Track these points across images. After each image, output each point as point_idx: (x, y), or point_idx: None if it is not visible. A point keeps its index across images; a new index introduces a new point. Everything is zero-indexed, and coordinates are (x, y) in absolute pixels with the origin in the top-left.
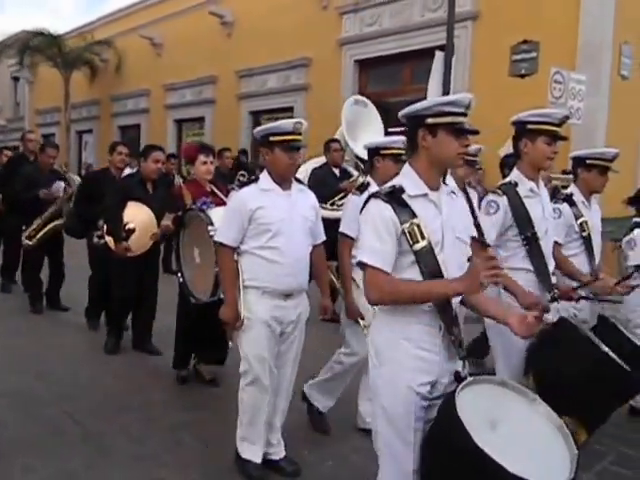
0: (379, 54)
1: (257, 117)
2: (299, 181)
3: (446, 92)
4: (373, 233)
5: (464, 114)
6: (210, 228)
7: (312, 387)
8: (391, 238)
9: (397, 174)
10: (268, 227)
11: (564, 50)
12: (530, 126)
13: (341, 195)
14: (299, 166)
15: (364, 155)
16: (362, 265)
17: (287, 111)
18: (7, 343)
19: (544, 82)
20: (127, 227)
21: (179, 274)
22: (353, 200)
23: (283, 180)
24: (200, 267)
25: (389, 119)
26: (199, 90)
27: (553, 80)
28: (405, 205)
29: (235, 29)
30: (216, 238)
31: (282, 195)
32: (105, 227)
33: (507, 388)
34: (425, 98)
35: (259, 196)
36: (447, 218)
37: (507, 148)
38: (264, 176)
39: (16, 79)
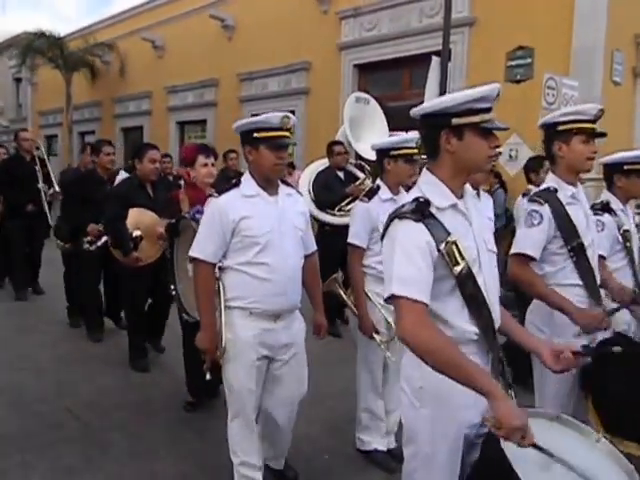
0: (378, 59)
1: None
2: (286, 183)
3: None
4: (404, 259)
5: (491, 109)
6: None
7: (359, 433)
8: (427, 264)
9: (411, 176)
10: (255, 240)
11: (558, 56)
12: (562, 127)
13: (348, 200)
14: (294, 168)
15: (368, 155)
16: (392, 298)
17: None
18: (4, 341)
19: (539, 88)
20: (134, 236)
21: (172, 287)
22: (361, 207)
23: (269, 183)
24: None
25: (388, 123)
26: (201, 93)
27: (546, 86)
28: (436, 221)
29: (236, 33)
30: (192, 253)
31: (269, 202)
32: (109, 239)
33: (563, 424)
34: (423, 102)
35: (242, 204)
36: (478, 229)
37: (504, 154)
38: (247, 179)
39: (18, 80)
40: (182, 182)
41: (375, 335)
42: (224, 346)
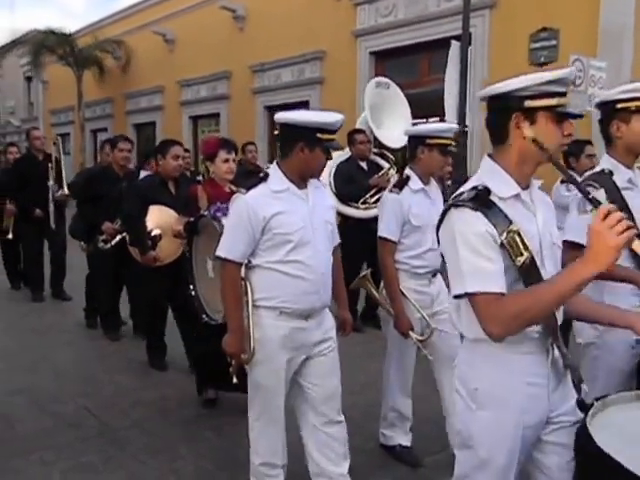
0: (395, 45)
1: (272, 112)
2: None
3: (463, 83)
4: (470, 252)
5: (566, 93)
6: None
7: (383, 429)
8: (495, 253)
9: (443, 168)
10: (288, 237)
11: (585, 37)
12: (621, 105)
13: (373, 192)
14: None
15: (391, 143)
16: (463, 296)
17: (303, 105)
18: (24, 342)
19: None
20: (152, 234)
21: (191, 287)
22: (391, 198)
23: (302, 178)
24: (214, 282)
25: None
26: (213, 86)
27: (573, 67)
28: (497, 210)
29: (247, 23)
30: (219, 253)
31: (299, 196)
32: (127, 238)
33: None
34: (443, 89)
35: (272, 200)
36: (542, 222)
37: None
38: (275, 173)
39: (29, 79)
40: (200, 178)
41: (411, 333)
42: (252, 348)
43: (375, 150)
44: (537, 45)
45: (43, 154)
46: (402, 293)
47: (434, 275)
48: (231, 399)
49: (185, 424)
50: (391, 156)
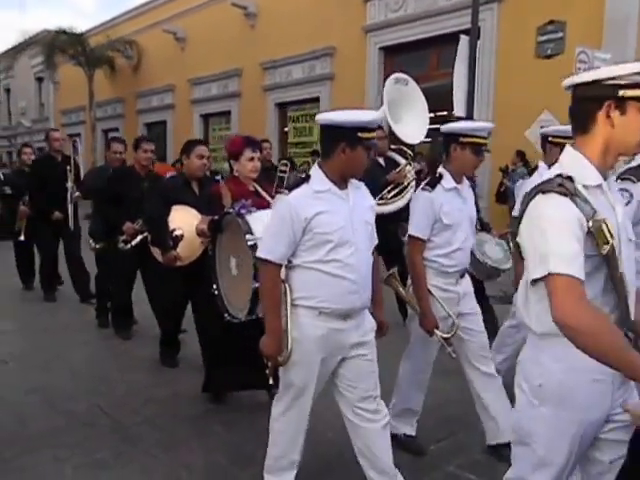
0: (404, 40)
1: (283, 109)
2: None
3: (472, 77)
4: (558, 235)
5: None
6: (248, 237)
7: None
8: (578, 241)
9: (475, 167)
10: (328, 237)
11: (590, 29)
12: None
13: (390, 188)
14: (319, 156)
15: (409, 139)
16: (542, 278)
17: (313, 101)
18: (37, 342)
19: (571, 62)
20: (174, 234)
21: (214, 286)
22: (423, 196)
23: (343, 179)
24: (237, 280)
25: None
26: (224, 83)
27: (578, 60)
28: (583, 198)
29: (258, 20)
30: (260, 254)
31: (340, 197)
32: (149, 236)
33: None
34: (451, 83)
35: (314, 200)
36: (620, 215)
37: (534, 132)
38: (317, 174)
39: (40, 80)
40: (218, 178)
41: (436, 331)
42: (290, 349)
43: (393, 146)
44: (544, 38)
45: (62, 155)
46: (430, 291)
47: (462, 275)
48: (240, 394)
49: (195, 419)
50: (410, 152)
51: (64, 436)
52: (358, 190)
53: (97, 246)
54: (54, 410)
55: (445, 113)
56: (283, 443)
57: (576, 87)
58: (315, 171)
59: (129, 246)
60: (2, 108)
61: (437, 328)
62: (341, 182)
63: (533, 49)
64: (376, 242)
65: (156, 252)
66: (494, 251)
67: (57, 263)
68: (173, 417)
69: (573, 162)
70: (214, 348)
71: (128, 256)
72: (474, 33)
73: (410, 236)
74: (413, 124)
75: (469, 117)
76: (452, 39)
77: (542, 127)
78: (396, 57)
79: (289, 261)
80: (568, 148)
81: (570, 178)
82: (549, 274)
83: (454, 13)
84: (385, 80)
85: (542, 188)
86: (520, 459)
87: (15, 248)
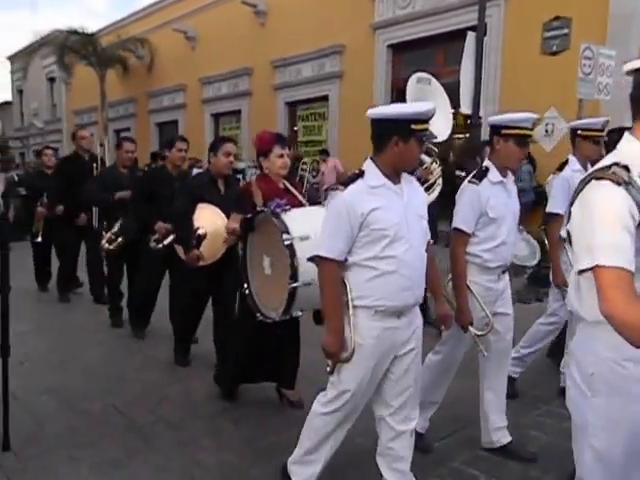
0: (412, 37)
1: (293, 107)
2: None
3: (478, 73)
4: (608, 225)
5: None
6: (285, 237)
7: None
8: (629, 232)
9: (520, 160)
10: (384, 233)
11: (595, 25)
12: None
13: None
14: (328, 155)
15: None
16: (588, 271)
17: (323, 100)
18: (52, 342)
19: (576, 58)
20: (197, 233)
21: (245, 286)
22: (470, 189)
23: (397, 173)
24: (270, 279)
25: None
26: (235, 82)
27: (583, 56)
28: (639, 188)
29: (268, 18)
30: (319, 252)
31: (395, 191)
32: (173, 234)
33: None
34: (458, 80)
35: (369, 196)
36: None
37: (540, 129)
38: (370, 168)
39: (52, 80)
40: (239, 177)
41: (471, 328)
42: (353, 348)
43: None
44: (550, 34)
45: (89, 154)
46: (469, 288)
47: (503, 272)
48: (249, 392)
49: (207, 417)
50: (435, 149)
51: (79, 436)
52: (411, 184)
53: (111, 247)
54: (69, 410)
55: (452, 111)
56: (318, 439)
57: (637, 71)
58: (369, 166)
59: (161, 245)
60: (15, 109)
61: (471, 325)
62: (395, 176)
63: (539, 45)
64: (429, 236)
65: (180, 250)
66: (520, 247)
67: (77, 265)
68: (186, 415)
69: (631, 150)
70: (234, 346)
71: (155, 256)
72: (481, 30)
73: (455, 229)
74: (438, 122)
75: (475, 114)
76: (459, 36)
77: (547, 124)
78: (403, 54)
79: (345, 259)
80: (626, 135)
81: (626, 167)
82: (596, 266)
83: (461, 10)
84: (393, 77)
85: (596, 175)
86: (580, 457)
87: (33, 249)
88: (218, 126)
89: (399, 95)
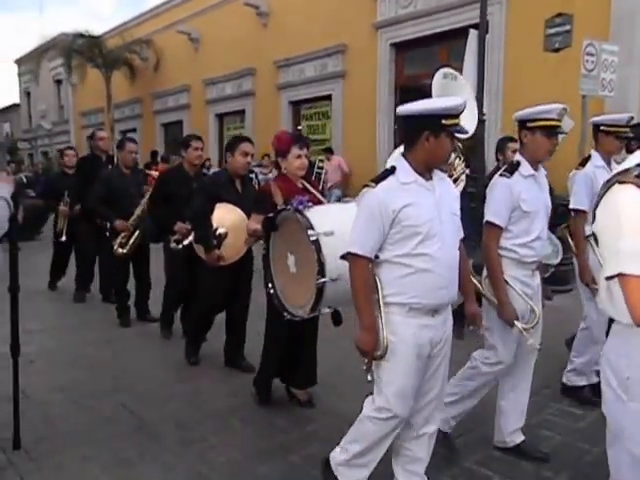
0: (414, 36)
1: (297, 107)
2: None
3: (481, 70)
4: (630, 232)
5: None
6: (310, 233)
7: None
8: None
9: (549, 152)
10: (416, 230)
11: (598, 21)
12: None
13: None
14: (332, 153)
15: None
16: (614, 277)
17: (326, 99)
18: (62, 341)
19: (579, 55)
20: (217, 232)
21: (269, 285)
22: (502, 183)
23: (429, 169)
24: (296, 277)
25: None
26: (239, 83)
27: (586, 52)
28: None
29: (271, 19)
30: (351, 249)
31: (427, 188)
32: (193, 234)
33: None
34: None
35: (401, 192)
36: None
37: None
38: (402, 165)
39: (59, 82)
40: (252, 177)
41: (516, 322)
42: (386, 346)
43: None
44: (552, 31)
45: (107, 155)
46: (507, 282)
47: (537, 267)
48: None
49: (216, 416)
50: (460, 145)
51: (90, 434)
52: (443, 181)
53: (124, 251)
54: (79, 408)
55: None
56: (369, 442)
57: None
58: (400, 162)
59: (181, 246)
60: (23, 111)
61: (517, 319)
62: (426, 172)
63: (541, 42)
64: (462, 234)
65: (200, 250)
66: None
67: (94, 264)
68: (194, 414)
69: None
70: (273, 347)
71: (178, 256)
72: (483, 27)
73: (487, 222)
74: (462, 118)
75: (478, 111)
76: (461, 34)
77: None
78: (406, 53)
79: (376, 257)
80: None
81: None
82: (620, 274)
83: (463, 8)
84: (396, 76)
85: (620, 178)
86: (618, 461)
87: (55, 248)
88: (222, 126)
89: (402, 93)
